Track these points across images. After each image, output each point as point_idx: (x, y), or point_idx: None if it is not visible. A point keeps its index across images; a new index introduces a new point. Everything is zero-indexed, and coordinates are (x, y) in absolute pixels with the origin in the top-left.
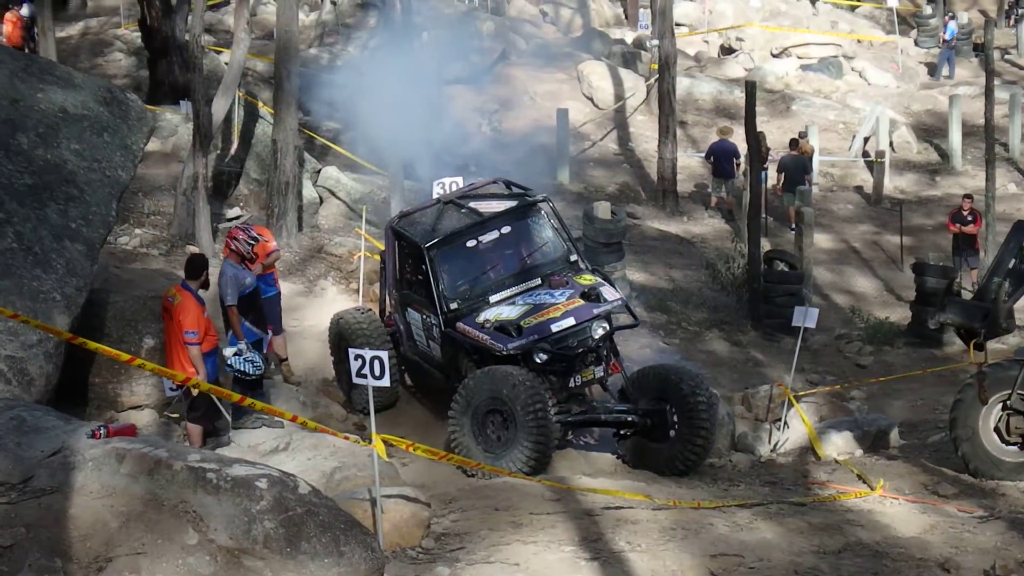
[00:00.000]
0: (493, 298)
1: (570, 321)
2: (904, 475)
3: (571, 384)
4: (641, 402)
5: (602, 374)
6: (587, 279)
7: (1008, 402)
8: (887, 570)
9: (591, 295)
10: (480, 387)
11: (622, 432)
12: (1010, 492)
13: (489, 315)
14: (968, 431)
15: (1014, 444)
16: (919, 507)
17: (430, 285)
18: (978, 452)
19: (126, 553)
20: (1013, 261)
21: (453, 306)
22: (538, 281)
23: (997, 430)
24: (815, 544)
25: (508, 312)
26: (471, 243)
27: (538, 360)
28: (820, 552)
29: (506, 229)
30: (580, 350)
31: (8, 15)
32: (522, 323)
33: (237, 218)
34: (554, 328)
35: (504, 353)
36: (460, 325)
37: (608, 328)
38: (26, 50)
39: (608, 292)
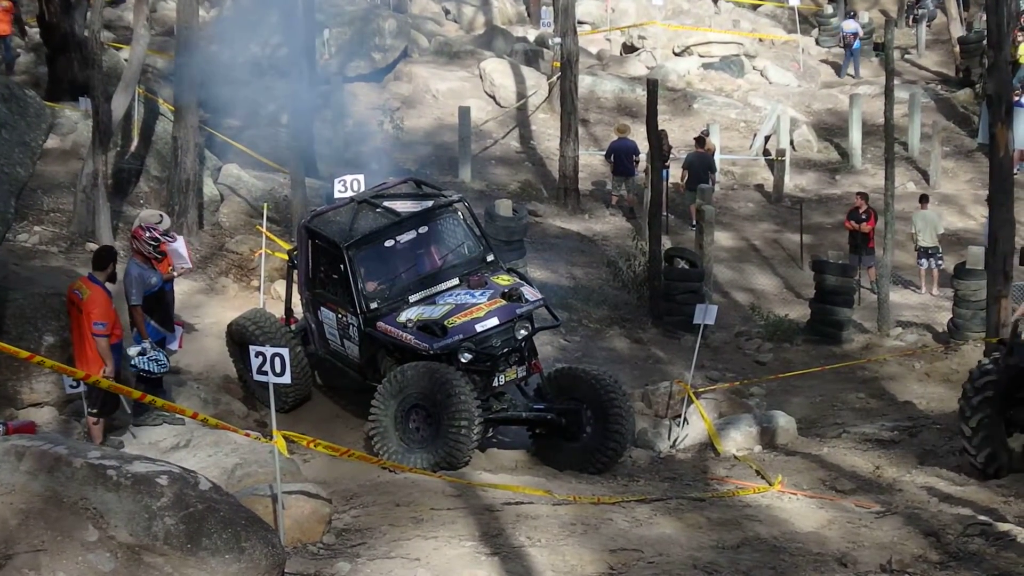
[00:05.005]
0: (412, 298)
1: (494, 321)
2: (802, 470)
3: (495, 384)
4: (556, 402)
5: (524, 374)
6: (505, 279)
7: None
8: (785, 564)
9: (512, 295)
10: (413, 381)
11: (537, 431)
12: (907, 488)
13: (410, 314)
14: (990, 435)
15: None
16: (817, 502)
17: (348, 284)
18: (1004, 454)
19: (26, 550)
20: None
21: (373, 305)
22: (456, 281)
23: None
24: (714, 539)
25: (429, 312)
26: (389, 243)
27: (463, 360)
28: (719, 547)
29: (423, 229)
30: (504, 350)
31: None
32: (446, 323)
33: (160, 223)
34: (478, 328)
35: (430, 352)
36: (381, 324)
37: (531, 328)
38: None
39: (529, 292)
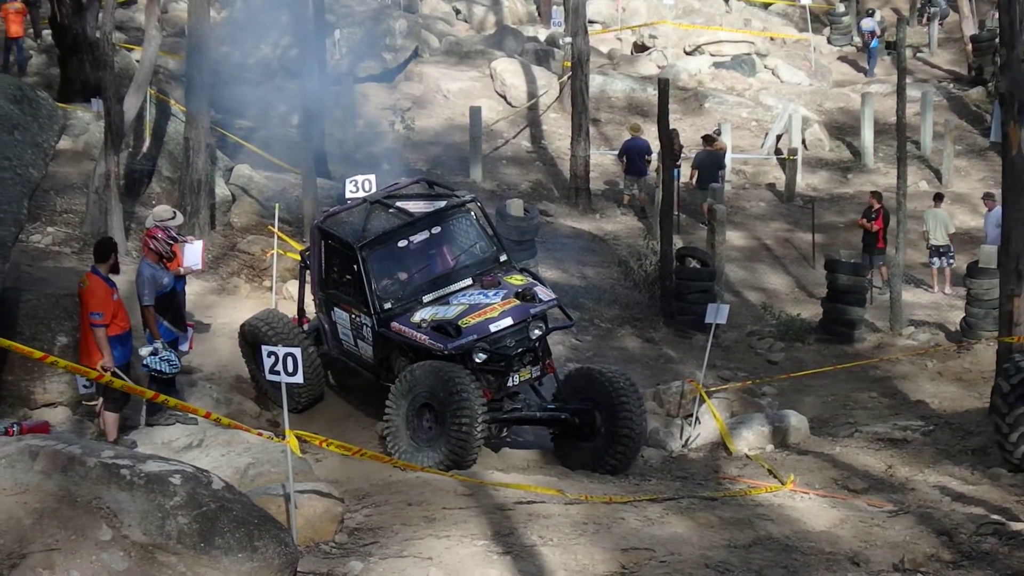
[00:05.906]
0: (426, 298)
1: (508, 321)
2: (814, 470)
3: (509, 384)
4: (570, 402)
5: (538, 374)
6: (518, 279)
7: None
8: (797, 564)
9: (526, 295)
10: (421, 379)
11: (552, 430)
12: (919, 487)
13: (424, 315)
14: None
15: None
16: (829, 501)
17: (362, 285)
18: None
19: (40, 549)
20: None
21: (387, 306)
22: (469, 281)
23: None
24: (726, 538)
25: (443, 312)
26: (402, 243)
27: (477, 360)
28: (730, 546)
29: (436, 229)
30: (518, 350)
31: (7, 7)
32: (460, 323)
33: (173, 219)
34: (492, 328)
35: (444, 353)
36: (395, 325)
37: (545, 328)
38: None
39: (542, 292)
